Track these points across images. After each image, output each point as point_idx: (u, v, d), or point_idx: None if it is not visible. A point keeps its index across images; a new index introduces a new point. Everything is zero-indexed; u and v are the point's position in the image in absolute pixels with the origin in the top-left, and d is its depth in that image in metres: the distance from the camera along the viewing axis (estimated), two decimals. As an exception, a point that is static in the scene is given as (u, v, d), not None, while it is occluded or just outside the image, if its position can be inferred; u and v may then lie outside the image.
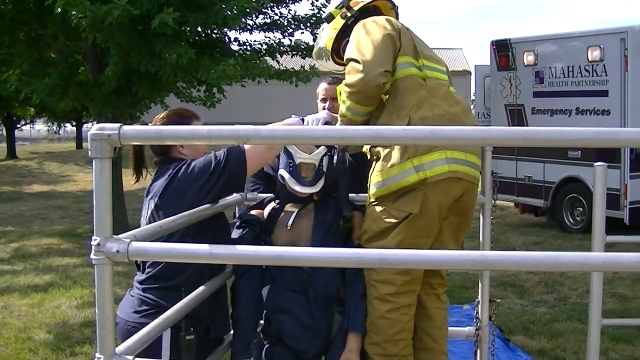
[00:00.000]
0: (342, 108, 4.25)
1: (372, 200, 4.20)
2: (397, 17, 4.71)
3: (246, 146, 4.03)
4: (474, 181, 4.22)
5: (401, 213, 4.07)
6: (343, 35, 4.61)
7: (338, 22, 4.64)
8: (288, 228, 4.28)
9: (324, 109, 5.13)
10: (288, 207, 4.37)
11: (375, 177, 4.14)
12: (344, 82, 4.24)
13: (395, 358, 4.21)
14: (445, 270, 4.52)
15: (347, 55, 4.24)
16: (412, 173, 3.99)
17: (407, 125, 3.98)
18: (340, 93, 4.41)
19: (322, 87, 5.12)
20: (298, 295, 4.24)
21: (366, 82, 4.07)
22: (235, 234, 4.27)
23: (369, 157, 4.32)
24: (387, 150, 4.09)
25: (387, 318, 4.17)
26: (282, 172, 4.30)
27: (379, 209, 4.15)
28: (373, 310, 4.18)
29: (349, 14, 4.59)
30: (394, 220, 4.09)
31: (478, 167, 4.25)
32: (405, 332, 4.28)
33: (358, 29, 4.32)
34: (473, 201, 4.37)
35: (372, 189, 4.17)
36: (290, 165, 4.27)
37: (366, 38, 4.18)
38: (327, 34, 4.75)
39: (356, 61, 4.11)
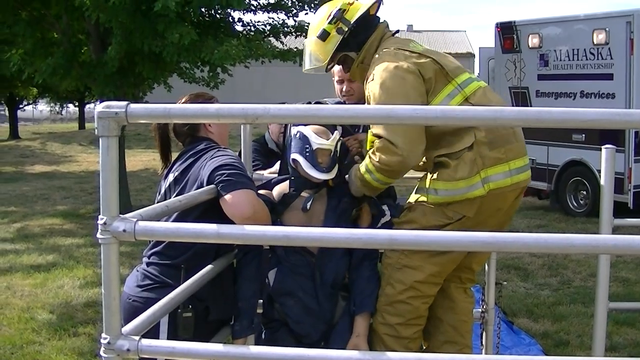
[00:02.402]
0: (368, 176, 4.10)
1: (429, 201, 4.13)
2: (378, 9, 4.57)
3: (250, 191, 3.91)
4: (527, 183, 4.23)
5: (456, 215, 4.06)
6: (342, 49, 4.43)
7: (334, 39, 4.39)
8: (308, 209, 4.21)
9: (340, 90, 5.07)
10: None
11: (439, 184, 4.08)
12: (373, 158, 4.03)
13: (406, 341, 4.21)
14: (477, 266, 4.54)
15: (375, 131, 4.05)
16: (479, 187, 4.00)
17: (474, 142, 3.99)
18: (369, 146, 4.31)
19: (338, 68, 4.99)
20: (305, 280, 4.22)
21: (406, 165, 4.00)
22: None
23: (431, 164, 4.22)
24: (455, 161, 4.03)
25: (408, 303, 4.17)
26: (297, 156, 4.20)
27: (432, 205, 4.11)
28: (394, 292, 4.18)
29: (345, 28, 4.36)
30: (446, 221, 4.07)
31: (529, 165, 4.26)
32: (421, 319, 4.31)
33: (375, 87, 4.09)
34: (520, 200, 4.37)
35: (433, 194, 4.10)
36: (307, 150, 4.18)
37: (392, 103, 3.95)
38: (321, 51, 4.48)
39: (389, 141, 3.93)
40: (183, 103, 4.27)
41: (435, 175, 4.12)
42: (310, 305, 4.22)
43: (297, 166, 4.22)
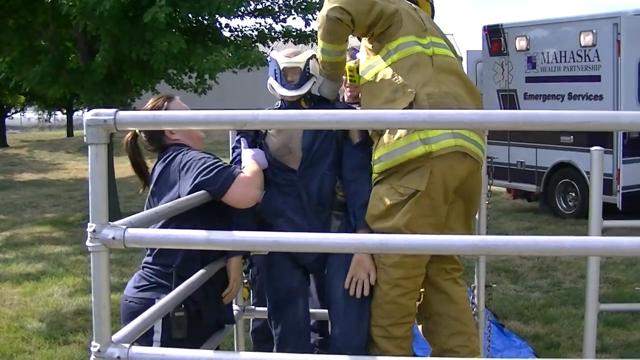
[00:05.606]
0: (321, 55, 4.33)
1: (377, 176, 4.15)
2: (432, 12, 4.73)
3: (240, 176, 3.96)
4: (478, 160, 4.19)
5: (407, 190, 4.03)
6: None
7: None
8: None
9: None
10: None
11: (380, 151, 4.10)
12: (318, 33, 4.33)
13: (399, 340, 4.22)
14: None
15: None
16: (418, 145, 3.96)
17: (413, 100, 3.98)
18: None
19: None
20: (291, 198, 4.29)
21: (322, 15, 4.14)
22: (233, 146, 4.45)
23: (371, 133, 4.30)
24: None
25: (396, 303, 4.17)
26: (270, 79, 4.38)
27: (384, 187, 4.11)
28: (382, 294, 4.17)
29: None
30: (400, 198, 4.04)
31: (481, 147, 4.22)
32: (411, 316, 4.31)
33: None
34: (479, 184, 4.36)
35: (377, 163, 4.12)
36: (276, 71, 4.35)
37: None
38: None
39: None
40: (150, 109, 4.27)
41: (376, 145, 4.17)
42: (299, 222, 4.25)
43: (272, 89, 4.39)
